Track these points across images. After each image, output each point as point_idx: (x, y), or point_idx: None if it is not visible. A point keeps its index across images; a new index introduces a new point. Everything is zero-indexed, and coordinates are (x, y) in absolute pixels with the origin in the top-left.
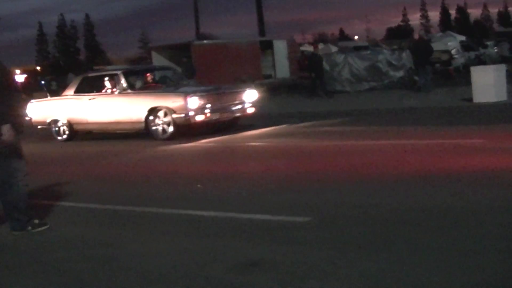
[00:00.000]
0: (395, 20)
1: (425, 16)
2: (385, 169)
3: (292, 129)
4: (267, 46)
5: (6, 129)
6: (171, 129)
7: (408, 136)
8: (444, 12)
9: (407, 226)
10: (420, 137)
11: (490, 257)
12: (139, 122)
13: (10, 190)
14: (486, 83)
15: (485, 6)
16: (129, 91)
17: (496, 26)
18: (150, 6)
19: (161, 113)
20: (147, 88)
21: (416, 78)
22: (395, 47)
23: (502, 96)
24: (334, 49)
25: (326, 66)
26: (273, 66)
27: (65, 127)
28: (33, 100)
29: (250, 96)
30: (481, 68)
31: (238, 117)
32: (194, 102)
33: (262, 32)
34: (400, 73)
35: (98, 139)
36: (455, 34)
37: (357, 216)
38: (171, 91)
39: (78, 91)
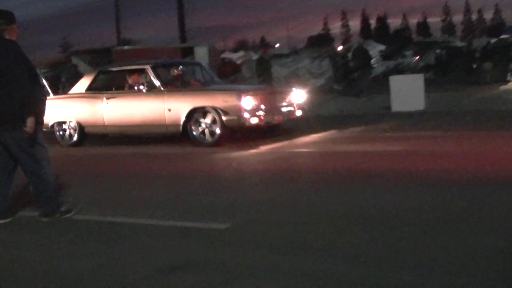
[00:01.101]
0: (316, 29)
1: (345, 25)
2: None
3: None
4: (188, 52)
5: (31, 121)
6: (217, 133)
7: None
8: (365, 22)
9: (326, 227)
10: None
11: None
12: (175, 125)
13: (39, 178)
14: (404, 92)
15: (404, 17)
16: (162, 88)
17: (415, 36)
18: (72, 8)
19: (206, 115)
20: (180, 86)
21: (335, 86)
22: (315, 55)
23: (420, 105)
24: (255, 56)
25: (247, 73)
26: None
27: (72, 130)
28: None
29: (298, 97)
30: (399, 77)
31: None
32: (249, 101)
33: (183, 38)
34: (321, 81)
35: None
36: (375, 43)
37: (280, 218)
38: (219, 89)
39: (92, 88)
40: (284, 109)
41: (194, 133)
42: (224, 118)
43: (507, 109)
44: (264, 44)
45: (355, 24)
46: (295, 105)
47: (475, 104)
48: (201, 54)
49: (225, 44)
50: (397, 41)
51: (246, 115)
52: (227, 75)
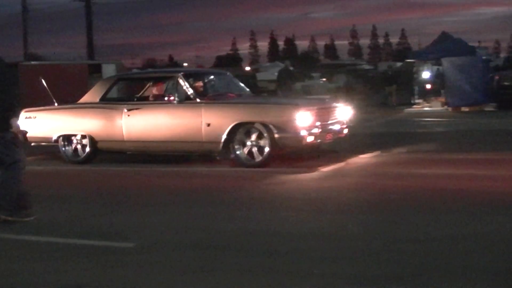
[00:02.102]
0: (225, 49)
1: (254, 46)
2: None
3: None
4: (96, 69)
5: (16, 121)
6: (265, 152)
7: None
8: (273, 43)
9: (233, 250)
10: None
11: None
12: (214, 142)
13: (9, 178)
14: None
15: (312, 39)
16: (198, 100)
17: (323, 58)
18: None
19: (253, 131)
20: (218, 98)
21: None
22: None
23: None
24: None
25: None
26: None
27: (81, 146)
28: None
29: (345, 113)
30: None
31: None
32: (306, 117)
33: (91, 55)
34: None
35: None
36: (282, 65)
37: (186, 240)
38: (270, 102)
39: (108, 98)
40: (333, 127)
41: (238, 152)
42: (276, 135)
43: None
44: (173, 63)
45: (263, 44)
46: (343, 123)
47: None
48: (109, 71)
49: (134, 62)
50: (305, 63)
51: (303, 132)
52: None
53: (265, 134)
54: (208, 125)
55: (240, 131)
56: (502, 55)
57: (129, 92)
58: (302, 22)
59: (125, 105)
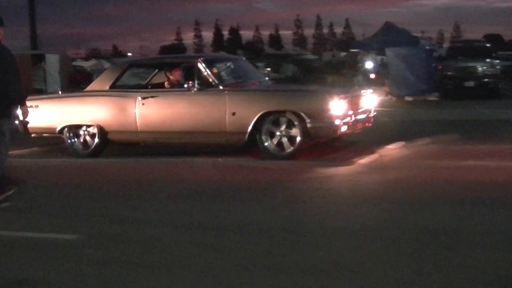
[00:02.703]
0: (169, 39)
1: (198, 36)
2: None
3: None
4: (39, 59)
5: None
6: (296, 143)
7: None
8: (218, 33)
9: (177, 242)
10: None
11: None
12: (239, 133)
13: None
14: None
15: (257, 29)
16: (220, 87)
17: (267, 48)
18: None
19: (282, 120)
20: (233, 84)
21: None
22: None
23: None
24: (107, 65)
25: None
26: (45, 80)
27: (89, 137)
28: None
29: (372, 102)
30: None
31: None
32: (341, 106)
33: (34, 45)
34: None
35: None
36: (227, 55)
37: (126, 233)
38: (302, 90)
39: (119, 85)
40: (362, 116)
41: (266, 143)
42: (309, 125)
43: None
44: (117, 53)
45: (208, 34)
46: (370, 111)
47: None
48: (52, 61)
49: (77, 53)
50: (250, 53)
51: (337, 121)
52: (78, 83)
53: (296, 124)
54: (233, 114)
55: (268, 120)
56: (445, 45)
57: (141, 79)
58: (247, 12)
59: (139, 93)
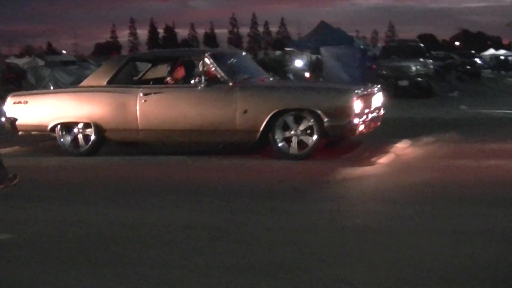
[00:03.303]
0: (104, 36)
1: (133, 34)
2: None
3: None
4: None
5: None
6: (312, 142)
7: None
8: (153, 31)
9: (113, 242)
10: None
11: None
12: (251, 132)
13: None
14: None
15: (192, 27)
16: (230, 83)
17: (203, 47)
18: None
19: (298, 119)
20: (243, 80)
21: None
22: (102, 63)
23: None
24: (41, 62)
25: (32, 79)
26: None
27: (82, 136)
28: (15, 94)
29: (380, 100)
30: None
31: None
32: (360, 104)
33: None
34: None
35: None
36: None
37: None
38: (319, 86)
39: (117, 80)
40: (375, 115)
41: (279, 141)
42: (326, 124)
43: None
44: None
45: (143, 32)
46: (380, 109)
47: None
48: None
49: (11, 50)
50: None
51: (356, 120)
52: (12, 81)
53: (313, 122)
54: (245, 112)
55: (282, 118)
56: (380, 45)
57: (142, 75)
58: (182, 10)
59: (141, 89)
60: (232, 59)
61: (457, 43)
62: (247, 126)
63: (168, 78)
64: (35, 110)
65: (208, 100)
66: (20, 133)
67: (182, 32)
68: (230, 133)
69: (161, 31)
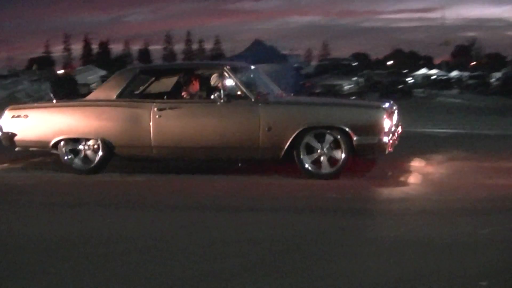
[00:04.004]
0: (38, 50)
1: (67, 49)
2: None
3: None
4: None
5: None
6: (340, 161)
7: None
8: (87, 46)
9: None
10: None
11: None
12: (274, 149)
13: None
14: None
15: (126, 43)
16: (252, 99)
17: (137, 63)
18: None
19: (324, 136)
20: (265, 96)
21: None
22: (35, 78)
23: None
24: None
25: None
26: None
27: (91, 152)
28: (14, 107)
29: (396, 117)
30: None
31: None
32: (389, 121)
33: None
34: None
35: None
36: (96, 68)
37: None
38: (347, 103)
39: (128, 94)
40: (397, 132)
41: (305, 161)
42: (356, 142)
43: None
44: None
45: (78, 48)
46: (398, 125)
47: None
48: None
49: None
50: (118, 67)
51: (385, 138)
52: None
53: (341, 140)
54: (269, 129)
55: (308, 136)
56: (314, 63)
57: (155, 88)
58: (117, 26)
59: (155, 103)
60: (250, 73)
61: (390, 62)
62: (271, 143)
63: (183, 93)
64: (36, 125)
65: (229, 116)
66: (17, 149)
67: (116, 48)
68: (252, 150)
69: (95, 46)
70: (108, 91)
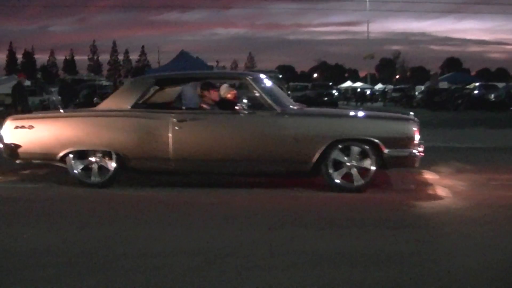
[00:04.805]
0: None
1: None
2: None
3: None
4: None
5: None
6: (370, 174)
7: None
8: (11, 55)
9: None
10: None
11: None
12: (302, 162)
13: None
14: None
15: (52, 53)
16: (278, 110)
17: (62, 73)
18: None
19: (354, 149)
20: (289, 107)
21: None
22: None
23: None
24: None
25: None
26: None
27: (101, 165)
28: (17, 117)
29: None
30: None
31: None
32: (418, 133)
33: None
34: None
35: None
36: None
37: None
38: (377, 115)
39: (143, 104)
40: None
41: (334, 175)
42: (387, 155)
43: None
44: None
45: (1, 57)
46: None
47: None
48: None
49: None
50: (44, 77)
51: (416, 151)
52: None
53: (370, 153)
54: (296, 141)
55: (337, 148)
56: None
57: (168, 98)
58: (42, 35)
59: (174, 114)
60: (269, 83)
61: (315, 75)
62: (298, 156)
63: (201, 103)
64: (42, 136)
65: (254, 128)
66: (18, 161)
67: (41, 58)
68: (278, 163)
69: (20, 56)
70: (121, 101)
